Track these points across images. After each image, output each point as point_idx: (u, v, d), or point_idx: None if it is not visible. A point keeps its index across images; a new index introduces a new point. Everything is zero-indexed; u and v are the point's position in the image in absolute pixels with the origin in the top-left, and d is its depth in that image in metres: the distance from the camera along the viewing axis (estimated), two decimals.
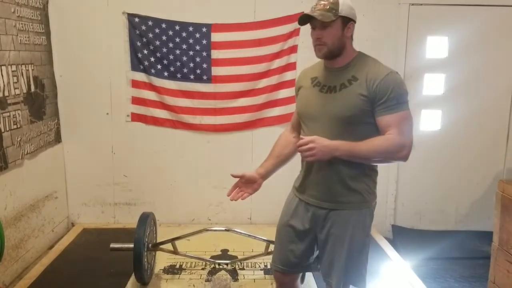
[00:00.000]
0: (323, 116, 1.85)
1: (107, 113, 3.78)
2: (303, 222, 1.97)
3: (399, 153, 1.79)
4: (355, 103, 1.80)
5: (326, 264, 1.94)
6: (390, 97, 1.77)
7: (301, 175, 2.01)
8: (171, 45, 3.66)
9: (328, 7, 1.78)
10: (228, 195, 2.06)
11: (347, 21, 1.82)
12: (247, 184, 2.05)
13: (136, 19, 3.63)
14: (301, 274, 2.18)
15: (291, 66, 3.70)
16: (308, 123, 1.93)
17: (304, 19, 1.82)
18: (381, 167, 1.95)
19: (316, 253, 2.04)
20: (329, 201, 1.90)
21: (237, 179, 2.06)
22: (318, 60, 1.96)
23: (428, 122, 3.89)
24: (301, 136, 1.87)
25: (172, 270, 3.12)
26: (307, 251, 2.01)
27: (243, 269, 3.14)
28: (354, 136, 1.80)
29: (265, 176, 2.08)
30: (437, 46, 3.78)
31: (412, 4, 3.70)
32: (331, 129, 1.82)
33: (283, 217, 2.07)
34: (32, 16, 3.29)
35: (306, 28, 1.90)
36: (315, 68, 2.01)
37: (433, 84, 3.83)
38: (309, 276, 2.92)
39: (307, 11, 1.84)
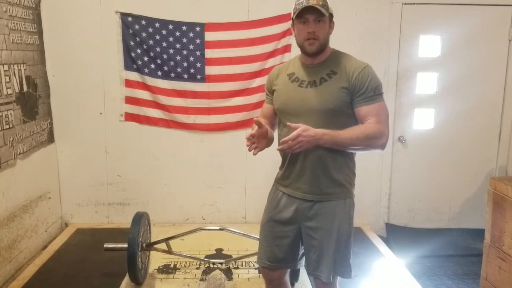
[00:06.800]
0: (306, 111, 1.88)
1: (101, 113, 3.77)
2: (286, 215, 1.98)
3: (378, 140, 1.86)
4: (337, 95, 1.86)
5: (314, 258, 1.95)
6: (368, 88, 1.85)
7: (283, 168, 2.01)
8: (164, 44, 3.65)
9: (321, 2, 1.83)
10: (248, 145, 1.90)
11: (331, 19, 1.91)
12: (260, 139, 1.90)
13: (129, 18, 3.61)
14: (289, 270, 2.18)
15: None
16: (290, 118, 1.92)
17: (301, 11, 1.83)
18: (374, 166, 1.97)
19: (302, 247, 2.05)
20: (314, 193, 1.92)
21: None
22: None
23: (421, 120, 3.91)
24: (289, 124, 1.82)
25: (167, 269, 3.12)
26: (292, 245, 2.02)
27: (237, 268, 3.14)
28: (338, 127, 1.85)
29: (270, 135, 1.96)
30: (429, 45, 3.80)
31: (405, 3, 3.72)
32: (315, 123, 1.84)
33: (266, 213, 2.08)
34: (24, 15, 3.27)
35: None
36: (289, 65, 2.04)
37: (426, 83, 3.86)
38: (303, 274, 2.93)
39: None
